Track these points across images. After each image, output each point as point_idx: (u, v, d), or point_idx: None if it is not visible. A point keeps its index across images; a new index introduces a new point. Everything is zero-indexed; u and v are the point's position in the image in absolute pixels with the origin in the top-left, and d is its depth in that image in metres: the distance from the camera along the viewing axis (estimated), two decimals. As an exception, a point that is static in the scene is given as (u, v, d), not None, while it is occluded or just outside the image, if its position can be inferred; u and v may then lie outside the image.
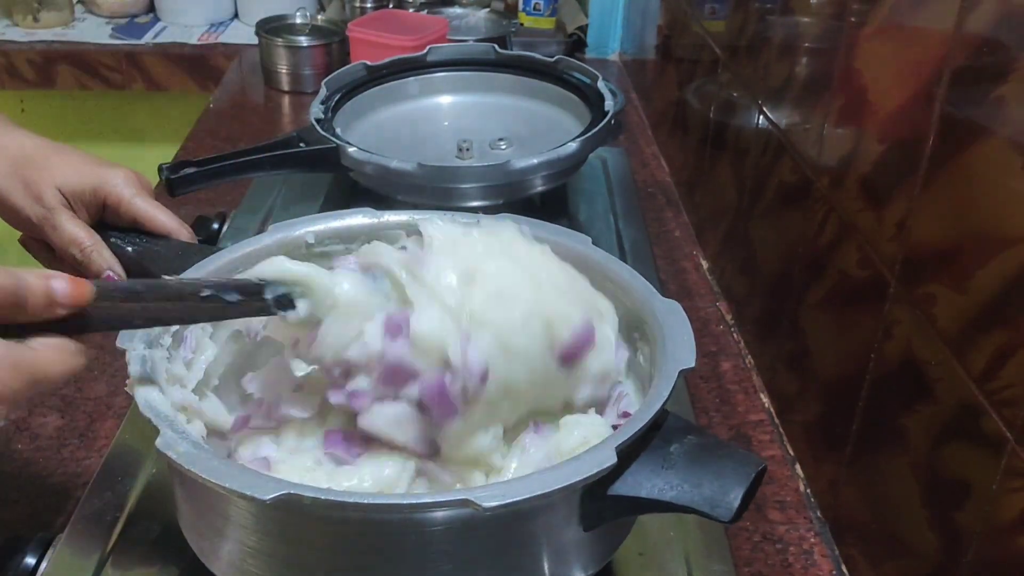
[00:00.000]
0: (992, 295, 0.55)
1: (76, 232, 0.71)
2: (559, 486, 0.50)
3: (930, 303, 0.62)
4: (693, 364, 0.58)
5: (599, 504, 0.54)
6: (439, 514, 0.51)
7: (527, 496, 0.49)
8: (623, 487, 0.53)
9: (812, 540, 0.77)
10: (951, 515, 0.60)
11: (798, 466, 0.84)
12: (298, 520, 0.53)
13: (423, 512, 0.51)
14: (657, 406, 0.54)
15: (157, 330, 0.61)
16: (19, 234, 0.76)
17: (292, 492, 0.48)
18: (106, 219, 0.74)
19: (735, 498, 0.51)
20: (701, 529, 0.71)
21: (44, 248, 0.74)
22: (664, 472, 0.53)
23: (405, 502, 0.52)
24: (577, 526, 0.55)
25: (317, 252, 0.72)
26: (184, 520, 0.62)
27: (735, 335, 1.02)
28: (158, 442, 0.52)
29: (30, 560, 0.67)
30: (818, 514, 0.79)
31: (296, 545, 0.54)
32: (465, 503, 0.48)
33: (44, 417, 0.86)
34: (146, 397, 0.56)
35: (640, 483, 0.53)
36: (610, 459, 0.51)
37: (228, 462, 0.53)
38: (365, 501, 0.51)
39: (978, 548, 0.57)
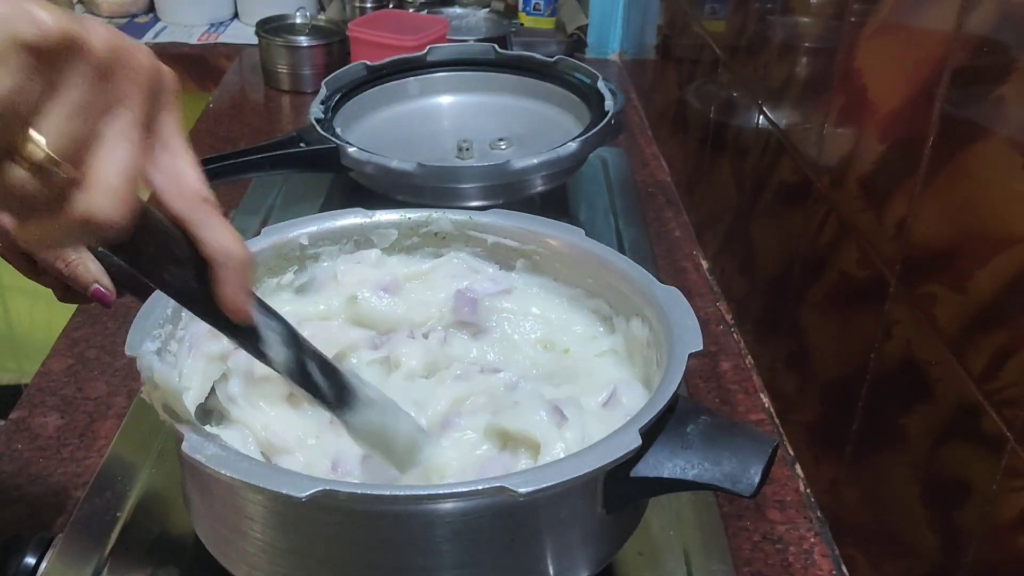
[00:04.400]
0: (992, 295, 0.55)
1: None
2: (590, 469, 0.50)
3: (930, 303, 0.62)
4: (701, 347, 0.59)
5: (622, 486, 0.55)
6: (473, 503, 0.52)
7: (560, 480, 0.50)
8: (645, 468, 0.54)
9: (812, 540, 0.77)
10: (951, 515, 0.60)
11: (798, 466, 0.84)
12: (333, 517, 0.52)
13: (457, 501, 0.52)
14: (673, 388, 0.56)
15: (166, 335, 0.61)
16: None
17: (328, 488, 0.48)
18: None
19: (755, 473, 0.53)
20: (701, 529, 0.71)
21: (25, 260, 0.71)
22: (683, 452, 0.55)
23: (439, 492, 0.52)
24: (600, 509, 0.56)
25: (311, 254, 0.73)
26: (202, 525, 0.60)
27: (735, 335, 1.02)
28: (184, 446, 0.51)
29: (30, 560, 0.66)
30: (818, 514, 0.79)
31: (330, 542, 0.54)
32: (501, 490, 0.49)
33: (44, 417, 0.86)
34: (164, 402, 0.55)
35: (661, 464, 0.55)
36: (635, 441, 0.52)
37: (258, 462, 0.53)
38: (400, 493, 0.51)
39: (978, 548, 0.57)
